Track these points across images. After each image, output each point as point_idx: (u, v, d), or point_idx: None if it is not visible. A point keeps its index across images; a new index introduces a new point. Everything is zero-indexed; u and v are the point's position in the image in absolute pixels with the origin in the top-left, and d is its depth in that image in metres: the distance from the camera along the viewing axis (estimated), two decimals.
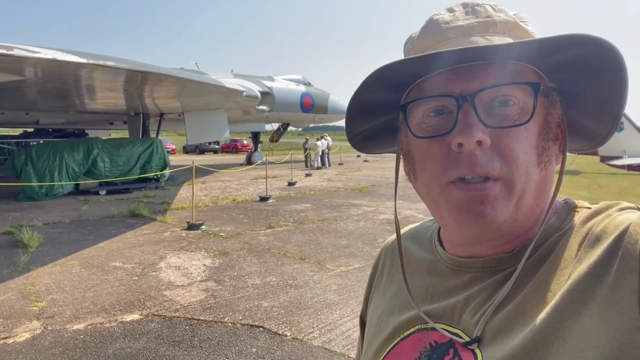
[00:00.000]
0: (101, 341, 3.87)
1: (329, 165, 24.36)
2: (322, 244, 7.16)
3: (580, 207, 0.56)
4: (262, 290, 5.11)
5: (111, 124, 20.55)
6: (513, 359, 0.47)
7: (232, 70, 22.00)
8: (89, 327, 4.16)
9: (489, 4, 0.57)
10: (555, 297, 0.48)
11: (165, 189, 14.48)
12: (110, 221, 9.17)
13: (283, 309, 4.53)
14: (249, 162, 23.57)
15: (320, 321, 4.24)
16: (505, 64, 0.51)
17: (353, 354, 3.61)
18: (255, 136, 25.85)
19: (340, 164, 26.14)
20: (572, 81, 0.53)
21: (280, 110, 22.06)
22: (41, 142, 14.65)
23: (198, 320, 4.31)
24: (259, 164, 19.34)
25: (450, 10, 0.57)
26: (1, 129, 22.60)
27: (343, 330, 4.03)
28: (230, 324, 4.20)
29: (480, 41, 0.52)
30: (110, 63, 8.29)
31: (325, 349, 3.71)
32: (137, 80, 10.15)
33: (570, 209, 0.56)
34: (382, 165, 25.14)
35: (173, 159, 21.27)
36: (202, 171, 16.34)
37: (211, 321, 4.28)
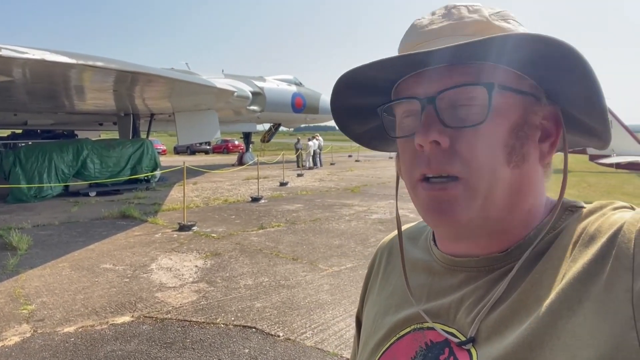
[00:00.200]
0: (92, 344, 3.83)
1: (321, 165, 24.36)
2: (314, 244, 7.16)
3: (575, 207, 0.56)
4: (254, 291, 5.10)
5: (101, 124, 20.37)
6: (508, 357, 0.48)
7: (222, 71, 21.93)
8: (80, 329, 4.12)
9: (466, 5, 0.56)
10: (549, 296, 0.48)
11: (156, 190, 14.39)
12: (101, 223, 9.10)
13: (275, 310, 4.52)
14: (240, 162, 23.50)
15: (312, 321, 4.24)
16: (468, 65, 0.52)
17: (346, 354, 3.62)
18: (247, 136, 25.77)
19: (331, 164, 26.15)
20: (551, 79, 0.52)
21: (271, 111, 22.02)
22: (30, 143, 14.47)
23: (190, 321, 4.29)
24: (250, 165, 19.29)
25: (432, 13, 0.58)
26: None
27: (336, 330, 4.03)
28: (222, 325, 4.19)
29: (441, 43, 0.53)
30: (99, 63, 8.22)
31: (318, 349, 3.71)
32: (127, 80, 10.08)
33: (565, 208, 0.56)
34: (374, 165, 25.20)
35: (164, 160, 21.16)
36: (193, 172, 16.26)
37: (203, 322, 4.26)
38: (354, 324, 3.30)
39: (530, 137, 0.54)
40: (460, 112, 0.52)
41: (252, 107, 19.73)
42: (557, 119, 0.56)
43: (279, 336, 3.95)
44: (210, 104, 15.72)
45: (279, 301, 4.76)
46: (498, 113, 0.52)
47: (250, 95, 18.00)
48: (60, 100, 13.03)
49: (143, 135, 17.27)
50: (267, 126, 26.23)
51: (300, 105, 23.84)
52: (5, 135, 18.73)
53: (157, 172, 15.00)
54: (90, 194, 13.25)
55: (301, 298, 4.84)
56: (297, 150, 23.88)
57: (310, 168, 22.86)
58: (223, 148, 39.02)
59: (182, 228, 8.28)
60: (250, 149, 26.03)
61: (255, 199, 11.85)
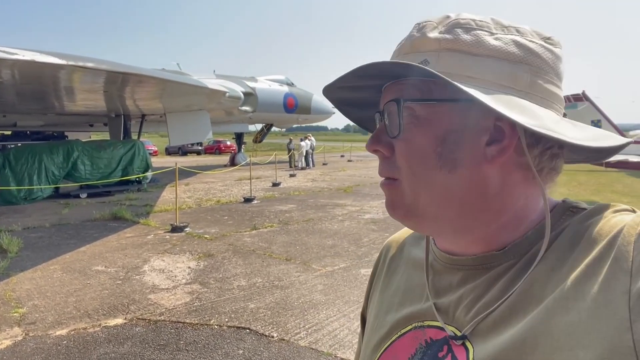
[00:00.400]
0: (85, 347, 3.81)
1: (313, 165, 24.37)
2: (307, 245, 7.17)
3: (577, 208, 0.56)
4: (248, 291, 5.09)
5: (91, 125, 20.19)
6: (503, 353, 0.48)
7: (214, 71, 21.87)
8: (72, 332, 4.10)
9: (419, 23, 0.58)
10: (546, 295, 0.49)
11: (147, 191, 14.31)
12: (92, 225, 9.03)
13: (269, 310, 4.52)
14: (232, 163, 23.44)
15: (306, 321, 4.25)
16: (401, 81, 0.58)
17: (340, 354, 3.63)
18: (239, 137, 25.70)
19: (324, 164, 26.17)
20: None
21: (263, 111, 21.98)
22: (19, 145, 14.32)
23: (183, 323, 4.28)
24: (242, 165, 19.24)
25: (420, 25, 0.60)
26: None
27: (330, 330, 4.04)
28: (216, 327, 4.18)
29: (401, 58, 0.59)
30: (90, 64, 8.15)
31: (312, 349, 3.72)
32: (117, 81, 10.01)
33: (566, 208, 0.57)
34: (366, 165, 25.25)
35: (155, 161, 21.03)
36: (185, 173, 16.21)
37: (197, 324, 4.25)
38: (347, 324, 3.34)
39: (463, 142, 0.55)
40: (392, 124, 0.58)
41: (244, 108, 19.68)
42: (506, 124, 0.54)
43: (273, 337, 3.95)
44: (202, 105, 15.65)
45: (273, 302, 4.76)
46: (419, 123, 0.56)
47: (242, 95, 17.95)
48: (50, 101, 12.91)
49: (134, 136, 17.16)
50: (259, 126, 26.18)
51: (292, 105, 23.82)
52: None
53: (149, 174, 14.91)
54: (81, 195, 13.14)
55: (295, 298, 4.85)
56: (289, 150, 23.86)
57: (302, 168, 22.86)
58: (215, 149, 38.88)
59: (175, 229, 8.24)
60: (242, 150, 25.96)
61: (247, 200, 11.83)
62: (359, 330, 4.07)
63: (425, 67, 0.51)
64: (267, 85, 22.70)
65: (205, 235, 7.93)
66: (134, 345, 3.82)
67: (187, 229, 8.34)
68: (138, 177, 14.39)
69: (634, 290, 0.43)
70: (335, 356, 3.60)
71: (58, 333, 4.08)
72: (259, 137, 26.78)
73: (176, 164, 10.20)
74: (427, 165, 0.56)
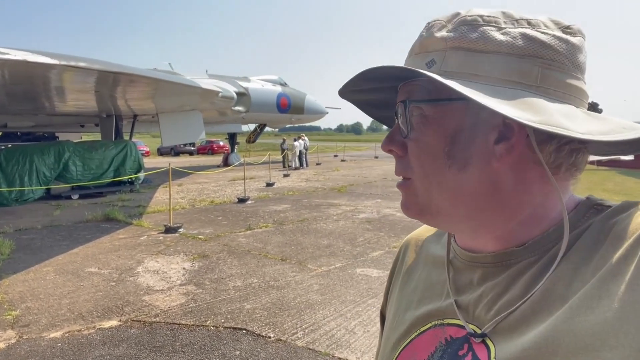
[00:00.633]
0: (79, 349, 3.77)
1: (307, 165, 24.35)
2: (302, 244, 7.16)
3: (601, 205, 0.55)
4: (243, 292, 5.07)
5: (82, 126, 20.02)
6: (525, 353, 0.47)
7: (206, 71, 21.78)
8: (67, 335, 4.05)
9: (428, 23, 0.58)
10: (570, 294, 0.48)
11: (140, 192, 14.22)
12: (85, 226, 8.96)
13: (266, 311, 4.50)
14: (225, 163, 23.36)
15: (303, 321, 4.24)
16: (411, 82, 0.58)
17: (337, 354, 3.62)
18: (232, 137, 25.62)
19: (317, 164, 26.16)
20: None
21: (256, 111, 21.92)
22: (10, 146, 14.17)
23: (179, 324, 4.25)
24: (236, 165, 19.18)
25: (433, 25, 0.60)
26: None
27: (327, 330, 4.03)
28: (212, 328, 4.16)
29: (411, 59, 0.59)
30: (82, 64, 8.08)
31: (310, 349, 3.71)
32: (109, 81, 9.93)
33: (590, 205, 0.56)
34: (360, 165, 25.29)
35: (147, 162, 20.90)
36: (178, 173, 16.13)
37: (193, 325, 4.22)
38: (344, 324, 3.33)
39: (472, 141, 0.54)
40: (403, 124, 0.59)
41: (237, 108, 19.62)
42: (514, 122, 0.53)
43: (270, 337, 3.93)
44: (195, 105, 15.59)
45: (269, 302, 4.74)
46: (428, 124, 0.56)
47: (235, 95, 17.89)
48: (41, 101, 12.79)
49: (126, 137, 17.04)
50: (252, 127, 26.12)
51: (286, 105, 23.79)
52: None
53: (141, 174, 14.82)
54: (72, 196, 13.03)
55: (291, 298, 4.83)
56: (283, 150, 23.83)
57: (296, 168, 22.84)
58: (208, 149, 38.73)
59: (168, 230, 8.19)
60: (235, 150, 25.89)
61: (242, 200, 11.79)
62: (355, 329, 4.07)
63: (420, 70, 0.51)
64: (260, 85, 22.65)
65: (200, 236, 7.89)
66: (129, 347, 3.79)
67: (181, 230, 8.29)
68: (130, 178, 14.29)
69: None
70: (332, 356, 3.59)
71: (52, 335, 4.04)
72: (252, 137, 26.71)
73: (169, 164, 10.14)
74: (437, 165, 0.56)
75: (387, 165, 24.33)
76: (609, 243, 0.49)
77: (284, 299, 4.81)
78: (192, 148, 38.08)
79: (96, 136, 19.44)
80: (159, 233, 8.16)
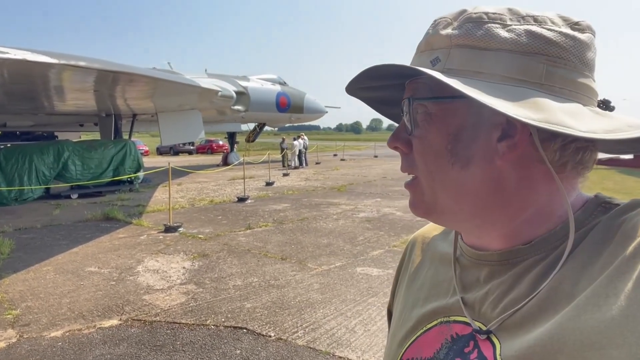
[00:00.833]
0: (80, 348, 3.77)
1: (306, 164, 24.35)
2: (302, 244, 7.16)
3: (609, 203, 0.55)
4: (244, 291, 5.07)
5: (81, 125, 20.01)
6: (531, 350, 0.47)
7: (206, 70, 21.74)
8: (67, 334, 4.05)
9: (434, 20, 0.58)
10: (577, 292, 0.47)
11: (139, 191, 14.21)
12: (84, 225, 8.95)
13: (266, 310, 4.51)
14: (225, 162, 23.36)
15: (304, 320, 4.24)
16: (415, 79, 0.59)
17: (338, 352, 3.63)
18: (231, 136, 25.62)
19: (317, 163, 26.17)
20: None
21: (256, 110, 21.92)
22: (9, 145, 14.16)
23: (179, 323, 4.25)
24: (235, 165, 19.18)
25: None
26: None
27: (327, 329, 4.04)
28: (212, 327, 4.16)
29: (417, 56, 0.60)
30: (82, 63, 8.07)
31: (310, 348, 3.71)
32: (108, 80, 9.92)
33: (598, 203, 0.55)
34: (359, 164, 25.30)
35: (147, 161, 20.89)
36: (177, 172, 16.12)
37: (193, 324, 4.23)
38: (345, 323, 3.34)
39: (475, 139, 0.54)
40: (407, 122, 0.59)
41: (237, 107, 19.61)
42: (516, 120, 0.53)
43: (270, 336, 3.93)
44: (194, 104, 15.58)
45: (269, 301, 4.74)
46: (432, 121, 0.57)
47: (234, 94, 17.89)
48: (40, 101, 12.77)
49: (125, 136, 17.03)
50: (251, 126, 26.12)
51: (285, 104, 23.79)
52: None
53: (141, 174, 14.81)
54: (72, 196, 13.03)
55: (291, 297, 4.83)
56: (282, 149, 23.82)
57: (296, 167, 22.84)
58: (207, 148, 38.71)
59: (168, 229, 8.19)
60: (235, 149, 25.89)
61: (241, 199, 11.79)
62: (356, 328, 4.07)
63: (420, 69, 0.51)
64: (260, 84, 22.65)
65: (200, 235, 7.89)
66: (129, 346, 3.79)
67: (180, 229, 8.29)
68: (130, 177, 14.29)
69: None
70: (333, 355, 3.59)
71: (53, 334, 4.04)
72: (252, 136, 26.71)
73: (169, 163, 10.14)
74: (440, 162, 0.56)
75: (387, 164, 24.34)
76: (617, 241, 0.49)
77: (284, 298, 4.81)
78: (192, 147, 38.06)
79: (95, 135, 19.42)
80: (158, 232, 8.16)
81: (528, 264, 0.55)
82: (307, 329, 4.05)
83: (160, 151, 37.74)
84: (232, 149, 25.78)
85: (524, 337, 0.49)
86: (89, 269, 6.00)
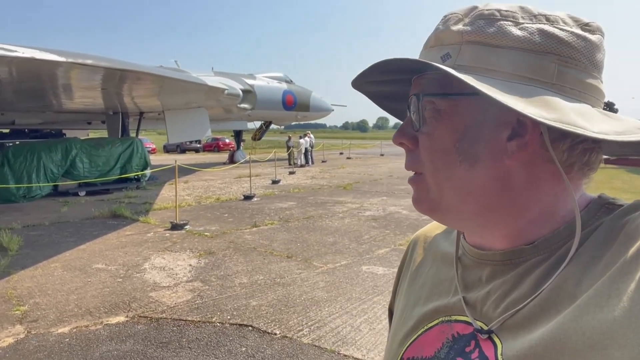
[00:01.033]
0: (87, 344, 3.80)
1: (313, 162, 24.36)
2: (308, 242, 7.16)
3: (613, 204, 0.55)
4: (249, 289, 5.08)
5: (89, 123, 20.14)
6: (532, 350, 0.47)
7: (212, 68, 21.78)
8: (74, 330, 4.09)
9: (445, 16, 0.57)
10: (579, 293, 0.47)
11: (146, 189, 14.29)
12: (92, 222, 9.02)
13: (271, 308, 4.52)
14: (231, 160, 23.41)
15: (309, 318, 4.25)
16: (424, 75, 0.58)
17: (343, 351, 3.63)
18: (238, 135, 25.68)
19: (323, 161, 26.17)
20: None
21: (262, 109, 21.93)
22: (17, 143, 14.28)
23: (185, 321, 4.27)
24: (242, 163, 19.22)
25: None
26: None
27: (332, 327, 4.04)
28: (218, 324, 4.18)
29: (426, 51, 0.59)
30: (89, 61, 8.12)
31: (315, 346, 3.72)
32: (115, 78, 9.97)
33: (601, 204, 0.55)
34: (366, 162, 25.26)
35: (154, 159, 21.00)
36: (184, 170, 16.17)
37: (199, 321, 4.25)
38: (350, 321, 3.34)
39: (483, 137, 0.54)
40: (414, 117, 0.58)
41: (243, 105, 19.64)
42: (527, 119, 0.53)
43: (275, 334, 3.94)
44: (201, 102, 15.62)
45: (275, 299, 4.75)
46: (440, 118, 0.56)
47: (240, 93, 17.91)
48: (48, 99, 12.86)
49: (132, 134, 17.13)
50: (258, 124, 26.16)
51: (291, 102, 23.79)
52: None
53: (147, 171, 14.89)
54: (79, 193, 13.12)
55: (297, 296, 4.84)
56: (288, 148, 23.84)
57: (302, 166, 22.85)
58: (214, 146, 38.83)
59: (175, 227, 8.23)
60: (241, 147, 25.94)
61: (247, 197, 11.82)
62: (361, 327, 4.07)
63: (434, 64, 0.50)
64: (266, 82, 22.66)
65: (206, 233, 7.92)
66: (136, 343, 3.82)
67: (187, 227, 8.32)
68: (137, 175, 14.37)
69: None
70: (338, 353, 3.60)
71: (60, 331, 4.07)
72: (258, 134, 26.76)
73: (176, 161, 10.18)
74: (448, 160, 0.56)
75: (393, 162, 24.29)
76: (620, 242, 0.48)
77: (290, 296, 4.82)
78: (198, 145, 38.20)
79: (103, 133, 19.53)
80: (165, 230, 8.20)
81: (531, 264, 0.54)
82: (312, 327, 4.05)
83: (167, 149, 37.92)
84: (238, 147, 25.83)
85: (525, 337, 0.49)
86: (96, 265, 6.04)
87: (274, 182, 15.36)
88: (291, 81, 24.73)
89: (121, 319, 4.33)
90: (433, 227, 0.77)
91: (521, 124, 0.53)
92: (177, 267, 5.97)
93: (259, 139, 27.20)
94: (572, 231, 0.53)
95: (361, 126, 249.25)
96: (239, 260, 6.23)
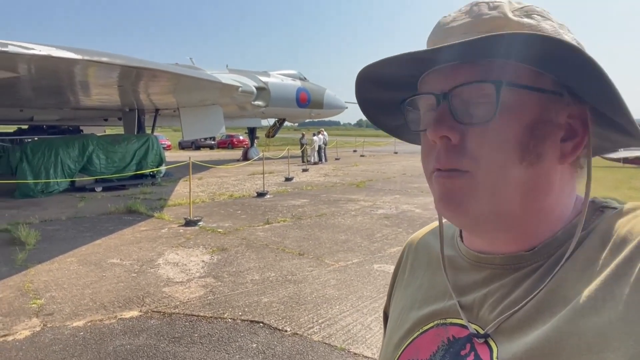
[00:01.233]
0: (101, 338, 3.87)
1: (326, 160, 24.35)
2: (320, 239, 7.17)
3: (607, 207, 0.55)
4: (261, 285, 5.11)
5: (106, 120, 20.44)
6: (528, 353, 0.47)
7: (227, 66, 21.88)
8: (89, 324, 4.16)
9: (487, 2, 0.55)
10: (575, 296, 0.47)
11: (161, 185, 14.44)
12: (107, 218, 9.15)
13: (282, 305, 4.54)
14: (245, 157, 23.52)
15: (319, 316, 4.26)
16: (479, 62, 0.52)
17: (353, 349, 3.63)
18: (252, 132, 25.78)
19: (336, 159, 26.14)
20: (570, 76, 0.51)
21: (276, 106, 21.99)
22: (36, 139, 14.56)
23: (198, 316, 4.32)
24: (255, 160, 19.30)
25: (458, 10, 0.58)
26: None
27: (343, 325, 4.04)
28: (230, 320, 4.21)
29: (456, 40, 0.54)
30: (105, 59, 8.23)
31: (326, 343, 3.72)
32: (131, 76, 10.09)
33: (595, 208, 0.55)
34: (379, 160, 25.17)
35: (169, 155, 21.21)
36: (198, 167, 16.30)
37: (211, 317, 4.28)
38: (361, 319, 3.33)
39: (548, 136, 0.53)
40: (472, 109, 0.52)
41: (257, 102, 19.72)
42: (584, 118, 0.54)
43: (286, 331, 3.96)
44: (215, 99, 15.73)
45: (286, 296, 4.77)
46: (510, 110, 0.51)
47: (254, 90, 17.98)
48: (65, 96, 13.07)
49: (148, 131, 17.32)
50: (271, 121, 26.23)
51: (305, 100, 23.79)
52: (12, 131, 18.85)
53: (163, 168, 15.05)
54: (96, 189, 13.31)
55: (308, 293, 4.85)
56: (301, 145, 23.86)
57: (315, 163, 22.86)
58: (228, 143, 39.04)
59: (188, 223, 8.31)
60: (255, 144, 26.04)
61: (260, 194, 11.87)
62: (372, 325, 4.07)
63: (546, 34, 0.49)
64: (280, 79, 22.69)
65: (219, 230, 7.98)
66: (149, 337, 3.87)
67: (200, 223, 8.40)
68: (152, 171, 14.53)
69: None
70: (348, 351, 3.60)
71: (75, 324, 4.15)
72: (272, 131, 26.83)
73: (190, 158, 10.26)
74: (507, 158, 0.52)
75: (407, 160, 24.17)
76: (614, 245, 0.49)
77: (301, 294, 4.84)
78: (213, 142, 38.45)
79: (119, 130, 19.78)
80: (179, 226, 8.28)
81: (530, 269, 0.54)
82: (322, 325, 4.06)
83: (182, 145, 38.23)
84: (252, 144, 25.94)
85: (521, 340, 0.49)
86: (111, 260, 6.13)
87: (287, 179, 15.40)
88: (305, 78, 24.72)
89: (135, 313, 4.39)
90: (428, 231, 0.77)
91: (569, 127, 0.54)
92: (190, 263, 6.03)
93: (273, 136, 27.27)
94: (568, 235, 0.53)
95: None
96: (251, 257, 6.27)
